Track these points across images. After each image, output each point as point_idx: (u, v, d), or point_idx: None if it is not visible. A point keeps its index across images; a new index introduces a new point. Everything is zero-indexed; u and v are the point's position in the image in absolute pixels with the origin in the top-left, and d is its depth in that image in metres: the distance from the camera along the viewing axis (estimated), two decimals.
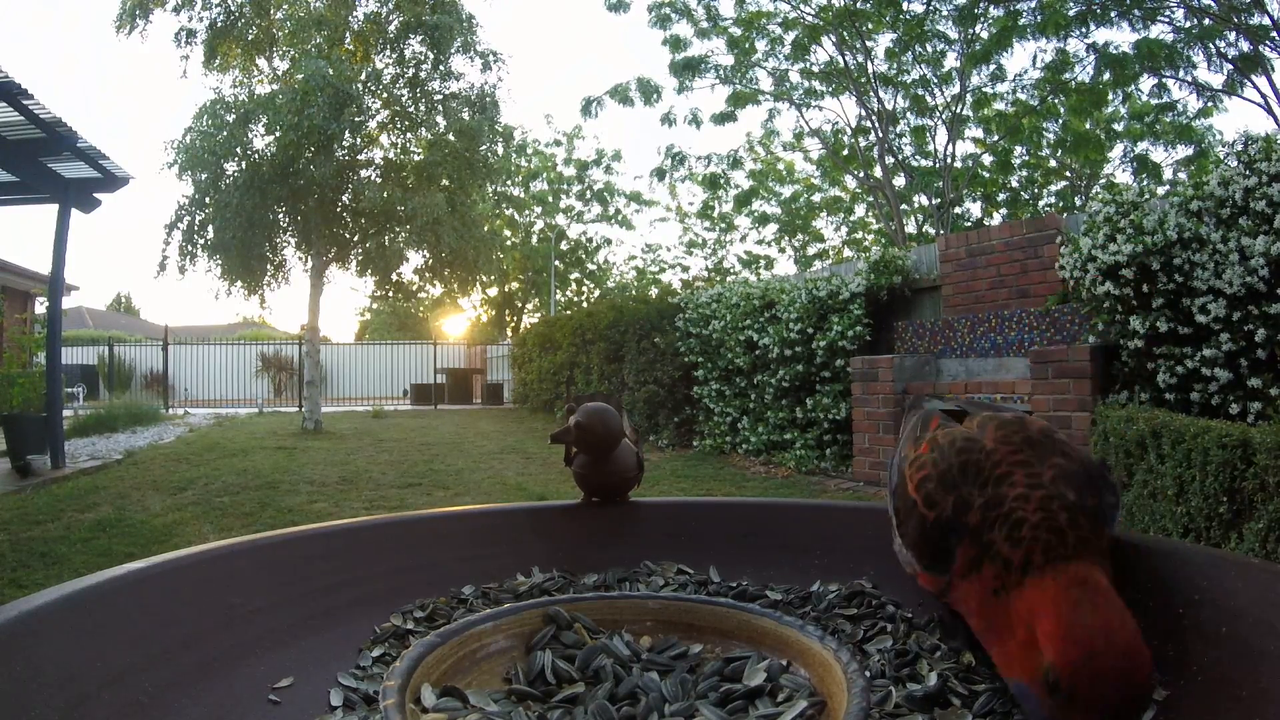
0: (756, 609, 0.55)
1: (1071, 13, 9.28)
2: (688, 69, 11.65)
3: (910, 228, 13.37)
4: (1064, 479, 0.45)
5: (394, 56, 9.71)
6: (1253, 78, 8.99)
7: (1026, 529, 0.43)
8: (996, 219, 13.46)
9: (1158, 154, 11.64)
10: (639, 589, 0.66)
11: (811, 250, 18.48)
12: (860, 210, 16.82)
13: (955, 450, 0.49)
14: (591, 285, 21.88)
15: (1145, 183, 10.92)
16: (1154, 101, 10.52)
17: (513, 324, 21.75)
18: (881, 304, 5.82)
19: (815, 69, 11.68)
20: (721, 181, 15.56)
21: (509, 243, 19.33)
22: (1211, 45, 9.05)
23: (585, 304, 19.10)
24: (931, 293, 5.76)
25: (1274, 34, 8.47)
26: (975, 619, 0.46)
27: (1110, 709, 0.37)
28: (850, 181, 15.11)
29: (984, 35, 10.28)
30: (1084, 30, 9.49)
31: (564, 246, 20.87)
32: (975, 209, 14.08)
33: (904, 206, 12.60)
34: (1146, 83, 10.07)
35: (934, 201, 11.81)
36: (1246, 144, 3.51)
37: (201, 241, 9.36)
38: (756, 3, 11.31)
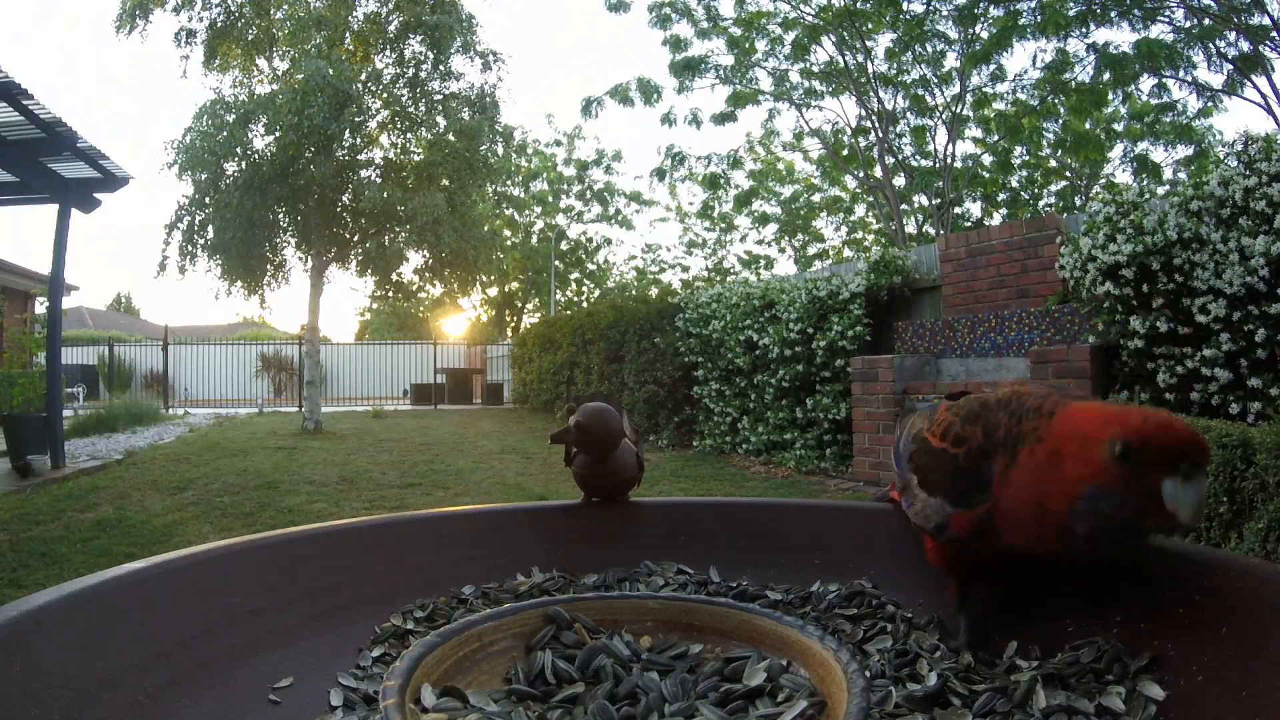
0: (756, 609, 0.55)
1: (1071, 13, 9.28)
2: (688, 69, 11.65)
3: (910, 228, 13.37)
4: (1070, 395, 0.51)
5: (394, 56, 9.71)
6: (1253, 78, 8.99)
7: (1049, 403, 0.48)
8: (996, 219, 13.45)
9: (1158, 154, 11.65)
10: (639, 589, 0.66)
11: (811, 250, 18.47)
12: (860, 210, 16.82)
13: (972, 400, 0.54)
14: (591, 285, 21.87)
15: (1145, 183, 10.91)
16: (1154, 101, 10.51)
17: (513, 324, 21.74)
18: (881, 304, 5.82)
19: (815, 69, 11.67)
20: (721, 181, 15.55)
21: (509, 243, 19.32)
22: (1211, 45, 9.05)
23: (585, 304, 19.10)
24: (931, 293, 5.76)
25: (1274, 34, 8.47)
26: (1028, 489, 0.47)
27: (1184, 444, 0.41)
28: (850, 181, 15.11)
29: (984, 35, 10.27)
30: (1084, 30, 9.49)
31: (564, 246, 20.86)
32: (975, 209, 14.08)
33: (904, 206, 12.60)
34: (1146, 83, 10.07)
35: (934, 201, 11.81)
36: (1246, 144, 3.51)
37: (201, 241, 9.36)
38: (756, 3, 11.31)
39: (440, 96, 9.80)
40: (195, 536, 3.94)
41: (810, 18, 11.03)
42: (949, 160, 11.55)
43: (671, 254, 28.26)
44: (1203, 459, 0.42)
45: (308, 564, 0.63)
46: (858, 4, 10.54)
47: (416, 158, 10.01)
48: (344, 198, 9.69)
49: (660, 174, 14.60)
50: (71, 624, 0.46)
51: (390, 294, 11.34)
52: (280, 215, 9.50)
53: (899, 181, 11.99)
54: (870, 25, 10.86)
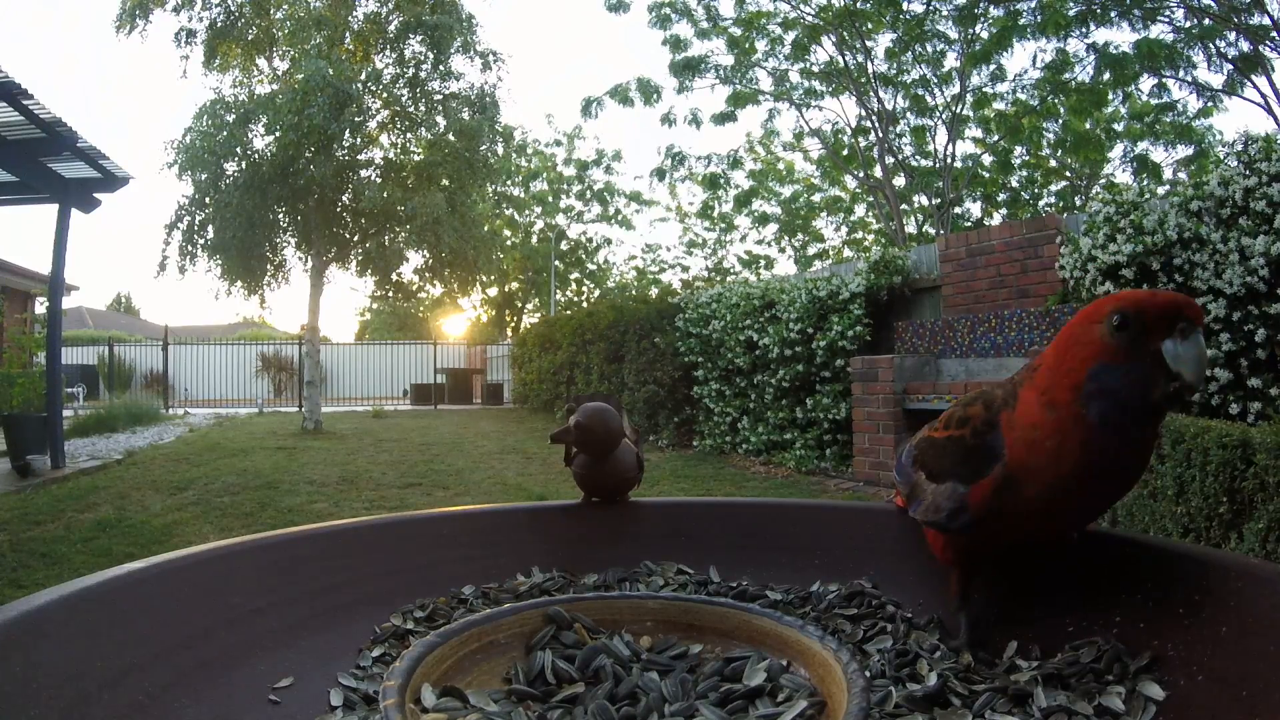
0: (756, 609, 0.55)
1: (1071, 13, 9.27)
2: (688, 69, 11.65)
3: (910, 228, 13.36)
4: None
5: (394, 56, 9.71)
6: (1253, 78, 8.99)
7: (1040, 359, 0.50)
8: (996, 219, 13.45)
9: (1158, 154, 11.64)
10: (639, 589, 0.66)
11: (811, 250, 18.46)
12: (860, 210, 16.81)
13: (969, 394, 0.56)
14: (591, 285, 21.86)
15: (1145, 183, 10.90)
16: (1154, 101, 10.51)
17: (513, 324, 21.74)
18: (881, 304, 5.82)
19: (815, 69, 11.67)
20: (721, 181, 15.54)
21: (509, 243, 19.32)
22: (1211, 45, 9.04)
23: (585, 304, 19.09)
24: (931, 293, 5.76)
25: (1274, 34, 8.47)
26: (1036, 406, 0.48)
27: (1178, 304, 0.43)
28: (850, 181, 15.11)
29: (984, 35, 10.27)
30: (1084, 30, 9.49)
31: (564, 246, 20.85)
32: (975, 209, 14.07)
33: (904, 206, 12.60)
34: (1146, 83, 10.06)
35: (934, 201, 11.81)
36: (1246, 144, 3.51)
37: (201, 241, 9.36)
38: (756, 3, 11.31)
39: (440, 96, 9.80)
40: (195, 536, 3.94)
41: (810, 18, 11.02)
42: (949, 160, 11.55)
43: (671, 254, 28.27)
44: (1197, 316, 0.43)
45: (308, 564, 0.63)
46: (858, 4, 10.54)
47: (416, 158, 10.01)
48: (344, 198, 9.69)
49: (660, 174, 14.60)
50: (71, 624, 0.46)
51: (390, 294, 11.33)
52: (280, 215, 9.50)
53: (899, 181, 11.99)
54: (870, 25, 10.86)
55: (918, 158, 12.39)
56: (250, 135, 9.11)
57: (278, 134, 8.65)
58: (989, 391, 0.53)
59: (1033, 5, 9.67)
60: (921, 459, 0.57)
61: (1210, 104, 10.23)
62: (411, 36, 9.53)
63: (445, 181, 9.77)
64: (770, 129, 14.54)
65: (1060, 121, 11.23)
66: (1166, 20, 9.32)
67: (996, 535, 0.52)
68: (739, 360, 6.39)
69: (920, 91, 11.43)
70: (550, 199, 20.82)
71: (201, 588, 0.56)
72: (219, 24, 9.22)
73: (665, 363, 7.37)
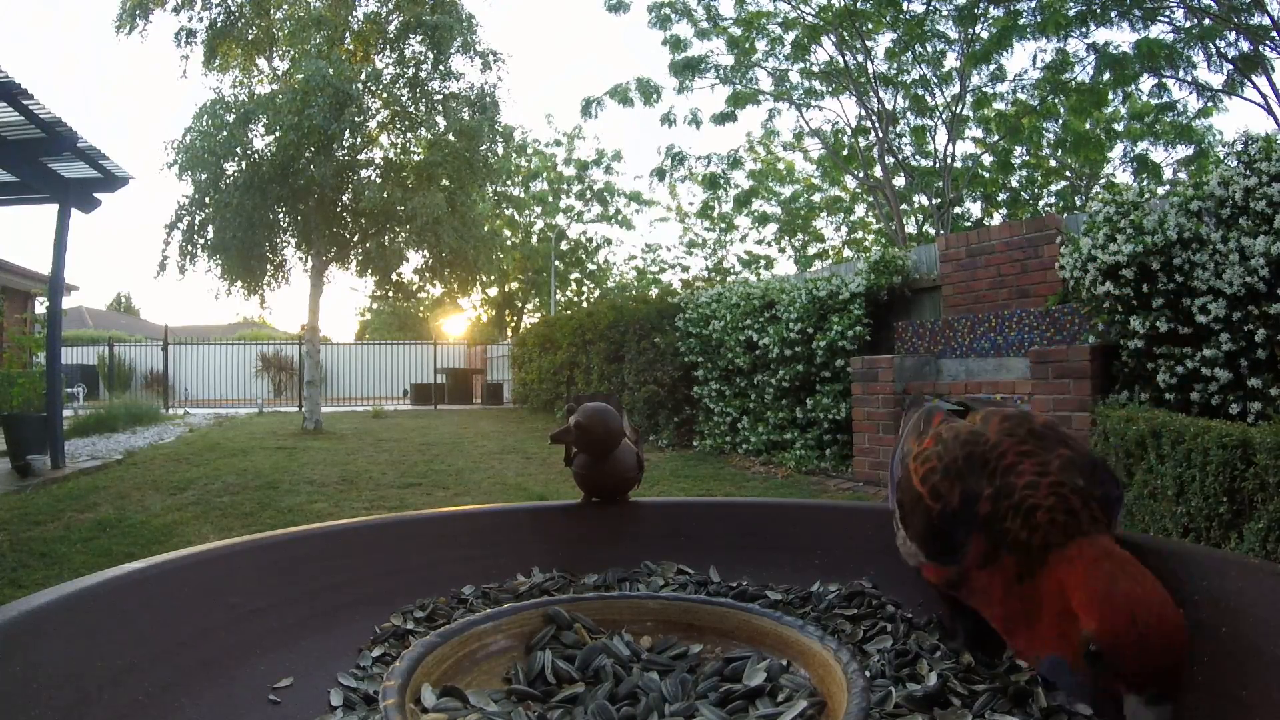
0: (756, 609, 0.55)
1: (1071, 13, 9.28)
2: (688, 69, 11.65)
3: (910, 228, 13.36)
4: (1071, 467, 0.46)
5: (394, 56, 9.71)
6: (1253, 78, 8.99)
7: (1041, 513, 0.43)
8: (996, 219, 13.45)
9: (1158, 154, 11.64)
10: (639, 589, 0.66)
11: (811, 250, 18.47)
12: (860, 210, 16.82)
13: (960, 443, 0.50)
14: (591, 285, 21.87)
15: (1145, 183, 10.90)
16: (1154, 101, 10.51)
17: (513, 324, 21.74)
18: (881, 304, 5.82)
19: (815, 69, 11.67)
20: (721, 181, 15.55)
21: (509, 243, 19.31)
22: (1211, 45, 9.04)
23: (585, 304, 19.09)
24: (931, 293, 5.76)
25: (1274, 34, 8.47)
26: (998, 607, 0.46)
27: (1155, 672, 0.37)
28: (850, 181, 15.11)
29: (984, 35, 10.27)
30: (1084, 30, 9.49)
31: (564, 246, 20.86)
32: (975, 209, 14.07)
33: (904, 206, 12.60)
34: (1146, 83, 10.06)
35: (934, 201, 11.81)
36: (1246, 144, 3.51)
37: (201, 241, 9.36)
38: (756, 3, 11.31)
39: (440, 96, 9.80)
40: (195, 536, 3.93)
41: (810, 18, 11.02)
42: (949, 160, 11.55)
43: (671, 254, 28.29)
44: (1172, 689, 0.37)
45: (308, 564, 0.63)
46: (858, 4, 10.54)
47: (416, 158, 10.01)
48: (344, 198, 9.69)
49: (660, 174, 14.61)
50: (71, 624, 0.46)
51: (390, 294, 11.33)
52: (280, 215, 9.50)
53: (899, 181, 11.99)
54: (870, 25, 10.86)
55: (918, 158, 12.40)
56: (250, 135, 9.11)
57: (278, 134, 8.65)
58: (973, 483, 0.47)
59: (1033, 5, 9.67)
60: (899, 494, 0.55)
61: (1210, 104, 10.23)
62: (411, 36, 9.53)
63: (445, 181, 9.77)
64: (770, 129, 14.57)
65: (1060, 121, 11.24)
66: (1166, 20, 9.33)
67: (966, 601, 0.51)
68: (739, 360, 6.39)
69: (920, 91, 11.44)
70: (550, 199, 20.83)
71: (201, 588, 0.56)
72: (219, 24, 9.22)
73: (665, 363, 7.37)
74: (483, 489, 5.34)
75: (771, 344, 5.97)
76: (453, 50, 9.54)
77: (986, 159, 12.52)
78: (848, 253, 17.47)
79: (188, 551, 0.59)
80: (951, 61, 11.04)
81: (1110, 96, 10.53)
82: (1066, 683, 0.41)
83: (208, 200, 9.19)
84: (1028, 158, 12.83)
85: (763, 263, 19.37)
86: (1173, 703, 0.37)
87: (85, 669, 0.44)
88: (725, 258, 20.51)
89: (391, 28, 9.62)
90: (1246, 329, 3.35)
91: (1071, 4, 9.26)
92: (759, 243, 19.48)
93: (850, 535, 0.71)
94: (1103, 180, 12.94)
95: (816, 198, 17.01)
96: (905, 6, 10.50)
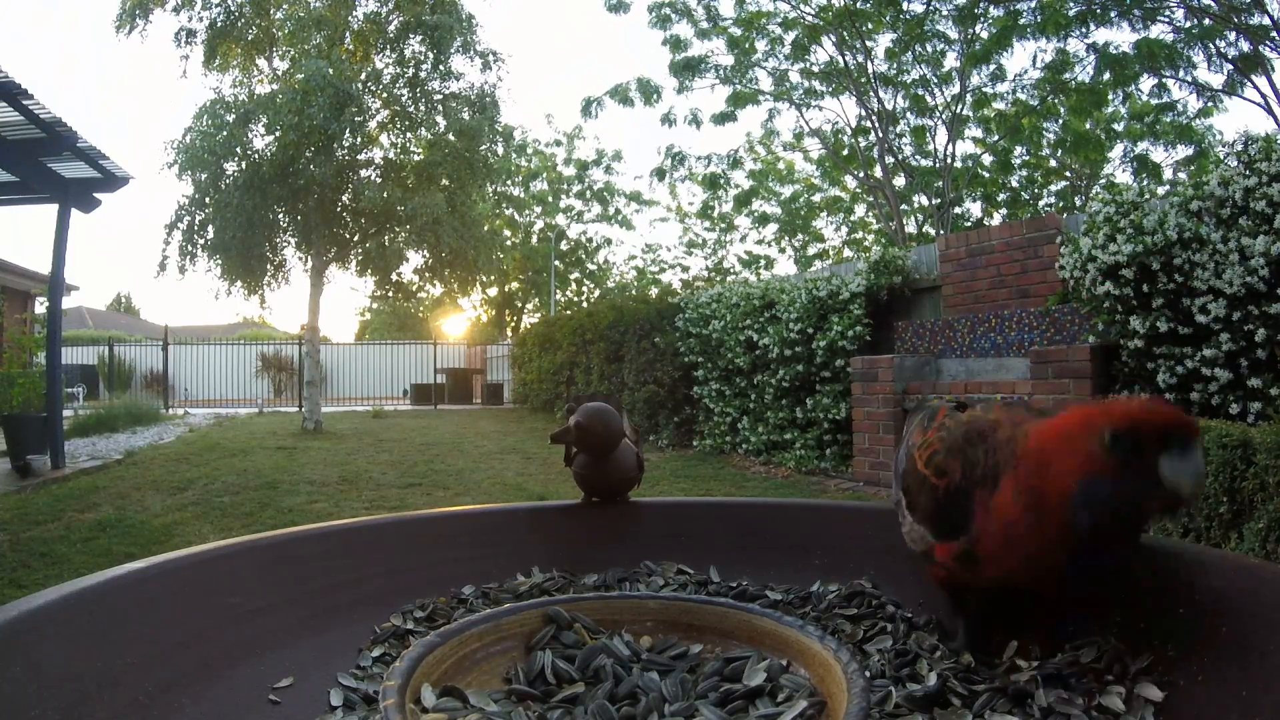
0: (756, 609, 0.55)
1: (1071, 13, 9.27)
2: (688, 69, 11.65)
3: (910, 228, 13.36)
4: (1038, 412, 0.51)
5: (394, 56, 9.71)
6: (1253, 78, 8.99)
7: (1016, 431, 0.49)
8: (996, 219, 13.45)
9: (1158, 154, 11.64)
10: (639, 589, 0.66)
11: (811, 250, 18.46)
12: (860, 210, 16.81)
13: (961, 425, 0.53)
14: (591, 285, 21.86)
15: (1145, 183, 10.90)
16: (1154, 101, 10.51)
17: (513, 324, 21.74)
18: (881, 304, 5.82)
19: (815, 69, 11.67)
20: (721, 181, 15.54)
21: (509, 243, 19.29)
22: (1211, 45, 9.04)
23: (585, 304, 19.09)
24: (931, 293, 5.76)
25: (1274, 34, 8.47)
26: (1017, 508, 0.47)
27: (1173, 422, 0.42)
28: (850, 181, 15.11)
29: (984, 35, 10.27)
30: (1084, 30, 9.49)
31: (564, 246, 20.85)
32: (975, 209, 14.07)
33: (904, 206, 12.60)
34: (1146, 83, 10.06)
35: (934, 201, 11.81)
36: (1246, 144, 3.51)
37: (201, 241, 9.36)
38: (756, 3, 11.31)
39: (440, 96, 9.80)
40: (195, 536, 3.93)
41: (810, 18, 11.02)
42: (949, 160, 11.55)
43: (671, 254, 28.26)
44: (1192, 433, 0.42)
45: (308, 564, 0.63)
46: (858, 4, 10.54)
47: (416, 158, 10.01)
48: (344, 198, 9.69)
49: (660, 174, 14.60)
50: (71, 624, 0.46)
51: (390, 294, 11.33)
52: (280, 215, 9.50)
53: (899, 181, 11.99)
54: (870, 25, 10.86)
55: (918, 158, 12.39)
56: (250, 135, 9.11)
57: (278, 134, 8.65)
58: (973, 452, 0.50)
59: (1033, 5, 9.67)
60: (905, 481, 0.57)
61: (1210, 104, 10.23)
62: (411, 36, 9.53)
63: (445, 181, 9.77)
64: (770, 129, 14.52)
65: (1060, 121, 11.23)
66: (1166, 20, 9.32)
67: (974, 581, 0.52)
68: (739, 360, 6.39)
69: (920, 91, 11.44)
70: (550, 199, 20.83)
71: (201, 588, 0.56)
72: (219, 24, 9.22)
73: (665, 363, 7.37)
74: (483, 489, 5.34)
75: (771, 344, 5.97)
76: (453, 50, 9.54)
77: (986, 159, 12.52)
78: (848, 253, 17.48)
79: (188, 551, 0.59)
80: (951, 61, 11.05)
81: (1110, 96, 10.53)
82: (1105, 493, 0.43)
83: (208, 200, 9.19)
84: (1028, 158, 12.83)
85: (763, 263, 19.38)
86: (1198, 446, 0.42)
87: (85, 669, 0.44)
88: (725, 258, 20.52)
89: (391, 28, 9.62)
90: (1246, 329, 3.35)
91: (1071, 4, 9.26)
92: (759, 243, 19.49)
93: (850, 535, 0.71)
94: (1103, 180, 12.94)
95: (816, 198, 17.01)
96: (905, 6, 10.50)
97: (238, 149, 8.98)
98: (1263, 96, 8.86)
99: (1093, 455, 0.43)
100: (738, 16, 11.35)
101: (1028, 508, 0.46)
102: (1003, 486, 0.48)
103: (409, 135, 10.07)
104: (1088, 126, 11.24)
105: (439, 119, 9.84)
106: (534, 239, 20.70)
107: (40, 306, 9.84)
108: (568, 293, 21.53)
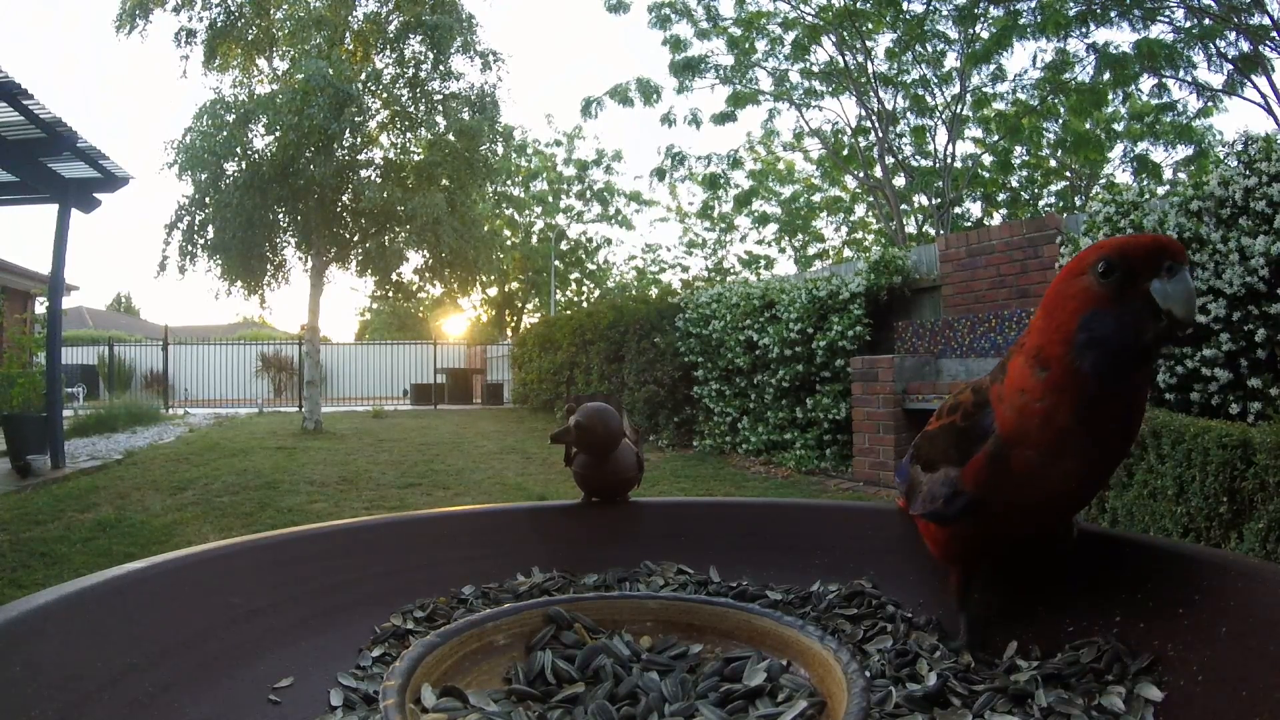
0: (756, 609, 0.55)
1: (1071, 13, 9.28)
2: (688, 69, 11.65)
3: (910, 228, 13.36)
4: None
5: (394, 56, 9.71)
6: (1253, 78, 8.99)
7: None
8: (996, 219, 13.46)
9: (1158, 154, 11.65)
10: (639, 589, 0.66)
11: (811, 250, 18.47)
12: (860, 210, 16.82)
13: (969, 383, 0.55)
14: (591, 285, 21.86)
15: (1145, 183, 10.90)
16: (1154, 101, 10.51)
17: (513, 324, 21.73)
18: (881, 304, 5.82)
19: (815, 69, 11.67)
20: (721, 181, 15.55)
21: (509, 243, 19.30)
22: (1211, 45, 9.05)
23: (585, 304, 19.09)
24: (931, 293, 5.76)
25: (1274, 34, 8.47)
26: (1025, 369, 0.48)
27: (1160, 246, 0.43)
28: (850, 181, 15.11)
29: (984, 35, 10.27)
30: (1084, 30, 9.49)
31: (564, 246, 20.85)
32: (975, 209, 14.08)
33: (904, 206, 12.60)
34: (1146, 83, 10.07)
35: (934, 201, 11.81)
36: (1246, 144, 3.51)
37: (201, 241, 9.35)
38: (756, 3, 11.31)
39: (440, 96, 9.80)
40: (195, 536, 3.93)
41: (810, 18, 11.03)
42: (949, 160, 11.55)
43: (671, 254, 28.24)
44: (1181, 255, 0.43)
45: (308, 564, 0.63)
46: (858, 4, 10.54)
47: (416, 158, 10.01)
48: (344, 198, 9.68)
49: (660, 174, 14.60)
50: (71, 624, 0.46)
51: (390, 294, 11.33)
52: (280, 215, 9.50)
53: (899, 181, 11.99)
54: (870, 25, 10.86)
55: (918, 158, 12.40)
56: (250, 135, 9.11)
57: (278, 134, 8.65)
58: (979, 379, 0.53)
59: (1033, 5, 9.67)
60: (918, 453, 0.58)
61: (1210, 104, 10.23)
62: (411, 36, 9.53)
63: (445, 181, 9.77)
64: (770, 129, 14.54)
65: (1060, 121, 11.24)
66: (1166, 20, 9.33)
67: (995, 522, 0.51)
68: (739, 360, 6.39)
69: (920, 91, 11.44)
70: (550, 199, 20.82)
71: (201, 588, 0.56)
72: (219, 24, 9.22)
73: (665, 363, 7.37)
74: (483, 489, 5.34)
75: (771, 344, 5.97)
76: (453, 50, 9.54)
77: (986, 159, 12.52)
78: (848, 253, 17.48)
79: (188, 551, 0.59)
80: (951, 61, 11.05)
81: (1110, 96, 10.54)
82: (1105, 325, 0.44)
83: (208, 200, 9.18)
84: (1028, 158, 12.84)
85: (763, 263, 19.39)
86: (1187, 267, 0.43)
87: (85, 669, 0.44)
88: (725, 258, 20.53)
89: (391, 28, 9.62)
90: (1246, 329, 3.35)
91: (1071, 4, 9.27)
92: (759, 243, 19.50)
93: (850, 535, 0.71)
94: (1103, 180, 12.94)
95: (816, 198, 17.02)
96: (905, 6, 10.51)
97: (238, 149, 8.97)
98: (1263, 96, 8.87)
99: (1089, 291, 0.44)
100: (738, 17, 11.35)
101: (1035, 366, 0.47)
102: (1011, 366, 0.49)
103: (409, 135, 10.07)
104: (1088, 126, 11.24)
105: (439, 119, 9.84)
106: (534, 239, 20.70)
107: (40, 306, 9.83)
108: (568, 293, 21.53)
